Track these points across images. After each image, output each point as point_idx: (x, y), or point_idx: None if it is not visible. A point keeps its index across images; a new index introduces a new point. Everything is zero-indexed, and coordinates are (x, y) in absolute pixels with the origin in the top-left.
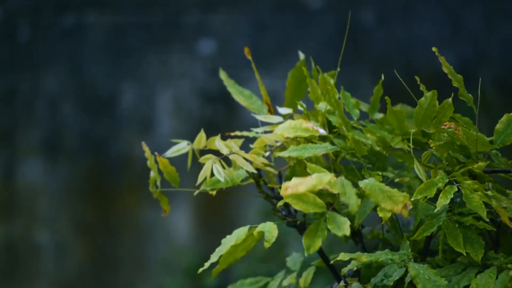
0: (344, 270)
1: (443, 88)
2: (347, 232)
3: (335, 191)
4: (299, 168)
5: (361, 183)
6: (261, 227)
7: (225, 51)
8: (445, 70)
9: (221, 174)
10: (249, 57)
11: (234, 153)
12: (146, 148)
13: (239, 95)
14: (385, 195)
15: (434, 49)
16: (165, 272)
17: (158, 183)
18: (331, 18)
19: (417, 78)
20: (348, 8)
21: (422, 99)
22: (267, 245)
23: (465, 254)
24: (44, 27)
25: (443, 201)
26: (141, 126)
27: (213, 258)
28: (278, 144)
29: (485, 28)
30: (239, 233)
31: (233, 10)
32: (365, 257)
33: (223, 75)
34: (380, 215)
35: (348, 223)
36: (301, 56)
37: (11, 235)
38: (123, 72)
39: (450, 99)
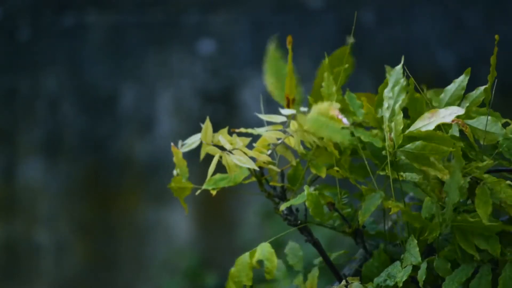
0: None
1: (442, 87)
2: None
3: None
4: (301, 167)
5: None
6: (260, 253)
7: (225, 51)
8: (492, 61)
9: (242, 161)
10: (289, 47)
11: (237, 149)
12: (175, 149)
13: (272, 76)
14: (430, 161)
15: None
16: (164, 272)
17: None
18: (331, 18)
19: (425, 87)
20: (348, 8)
21: (451, 85)
22: (268, 276)
23: (478, 258)
24: (44, 27)
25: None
26: (141, 126)
27: None
28: (280, 141)
29: (485, 28)
30: (245, 268)
31: (233, 10)
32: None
33: (272, 44)
34: (389, 206)
35: None
36: (350, 40)
37: (11, 235)
38: (123, 72)
39: (483, 87)
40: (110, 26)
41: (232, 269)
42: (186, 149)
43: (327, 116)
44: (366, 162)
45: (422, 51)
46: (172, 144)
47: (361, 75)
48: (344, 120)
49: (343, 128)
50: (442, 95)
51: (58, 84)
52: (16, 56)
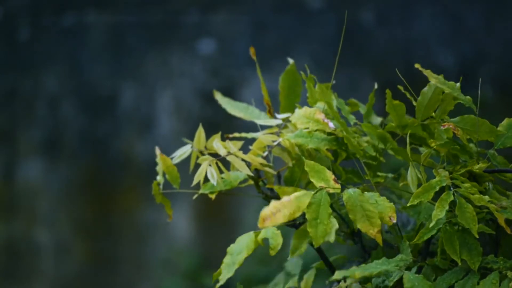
0: (339, 274)
1: None
2: (324, 240)
3: (307, 216)
4: (298, 169)
5: (345, 194)
6: (264, 233)
7: (225, 51)
8: (433, 80)
9: (214, 177)
10: (254, 58)
11: (231, 154)
12: (158, 152)
13: (235, 109)
14: (363, 214)
15: (417, 65)
16: (164, 272)
17: (161, 186)
18: (331, 18)
19: (418, 66)
20: (348, 8)
21: (426, 88)
22: (272, 252)
23: (460, 263)
24: (44, 27)
25: (439, 213)
26: (141, 126)
27: (227, 272)
28: (275, 143)
29: (485, 28)
30: (248, 243)
31: (233, 10)
32: (358, 274)
33: (217, 95)
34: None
35: (335, 227)
36: (290, 61)
37: (11, 235)
38: (123, 72)
39: (458, 84)
40: (110, 26)
41: (232, 245)
42: (176, 160)
43: (312, 120)
44: (357, 165)
45: (422, 51)
46: (159, 152)
47: (361, 75)
48: (330, 124)
49: (329, 133)
50: (420, 98)
51: (58, 84)
52: (16, 56)
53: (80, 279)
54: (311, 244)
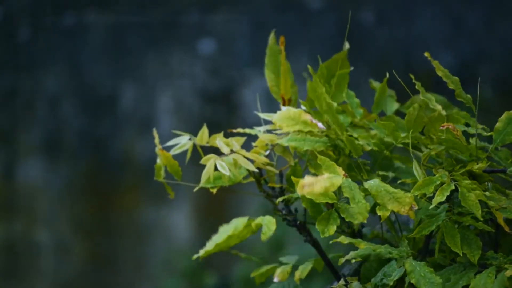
0: (341, 260)
1: (443, 87)
2: (364, 219)
3: (345, 195)
4: (300, 168)
5: (366, 184)
6: (260, 219)
7: (225, 51)
8: (439, 73)
9: (226, 169)
10: (282, 47)
11: (235, 152)
12: (156, 135)
13: (271, 72)
14: (391, 197)
15: (426, 54)
16: (164, 272)
17: (162, 172)
18: (331, 18)
19: (412, 76)
20: (348, 8)
21: (411, 109)
22: (263, 237)
23: (461, 255)
24: (44, 27)
25: (439, 198)
26: (141, 125)
27: (209, 246)
28: (276, 143)
29: (485, 28)
30: (238, 224)
31: (233, 10)
32: (363, 244)
33: (272, 37)
34: (379, 213)
35: (365, 212)
36: (346, 46)
37: (11, 235)
38: (123, 72)
39: (442, 111)
40: (110, 26)
41: (224, 224)
42: (176, 151)
43: (299, 121)
44: (352, 163)
45: (422, 51)
46: (160, 147)
47: (361, 75)
48: (319, 124)
49: (322, 132)
50: (406, 117)
51: (58, 84)
52: (16, 56)
53: (80, 279)
54: (311, 244)
